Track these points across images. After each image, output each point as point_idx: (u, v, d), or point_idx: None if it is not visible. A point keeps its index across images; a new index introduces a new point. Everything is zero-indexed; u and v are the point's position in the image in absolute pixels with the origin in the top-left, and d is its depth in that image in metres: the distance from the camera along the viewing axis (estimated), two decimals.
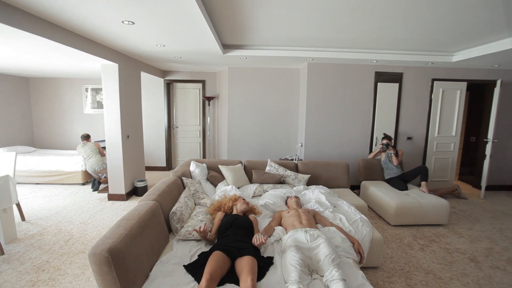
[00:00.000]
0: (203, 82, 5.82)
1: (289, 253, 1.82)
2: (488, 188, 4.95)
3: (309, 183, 3.69)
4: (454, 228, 3.39)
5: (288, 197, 2.93)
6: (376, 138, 4.76)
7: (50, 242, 2.83)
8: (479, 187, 4.93)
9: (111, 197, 4.06)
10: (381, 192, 3.65)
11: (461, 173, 5.80)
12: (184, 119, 6.05)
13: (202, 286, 1.47)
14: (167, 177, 2.85)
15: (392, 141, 4.37)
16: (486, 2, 2.19)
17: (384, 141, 4.25)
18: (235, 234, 2.03)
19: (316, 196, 2.99)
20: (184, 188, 2.87)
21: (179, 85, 5.93)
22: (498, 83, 4.47)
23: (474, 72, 4.71)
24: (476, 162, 5.17)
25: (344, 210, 2.80)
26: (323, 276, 1.73)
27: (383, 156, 4.32)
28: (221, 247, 1.82)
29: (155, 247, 1.90)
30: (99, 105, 6.00)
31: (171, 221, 2.21)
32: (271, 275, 1.74)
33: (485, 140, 4.72)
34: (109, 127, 3.87)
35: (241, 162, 3.80)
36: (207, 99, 5.68)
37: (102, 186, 4.74)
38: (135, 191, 4.31)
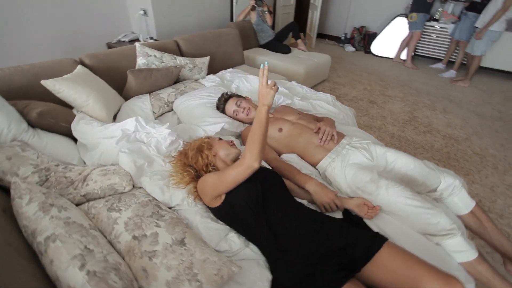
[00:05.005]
0: None
1: (393, 193, 1.03)
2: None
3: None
4: (332, 80, 3.66)
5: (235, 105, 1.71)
6: None
7: None
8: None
9: None
10: (279, 61, 3.09)
11: None
12: None
13: None
14: None
15: None
16: None
17: None
18: (290, 212, 0.90)
19: None
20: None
21: None
22: None
23: None
24: (302, 15, 5.56)
25: (299, 91, 2.09)
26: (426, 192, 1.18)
27: (253, 17, 3.51)
28: (328, 269, 0.71)
29: None
30: None
31: None
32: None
33: None
34: None
35: (77, 61, 1.76)
36: None
37: None
38: None
